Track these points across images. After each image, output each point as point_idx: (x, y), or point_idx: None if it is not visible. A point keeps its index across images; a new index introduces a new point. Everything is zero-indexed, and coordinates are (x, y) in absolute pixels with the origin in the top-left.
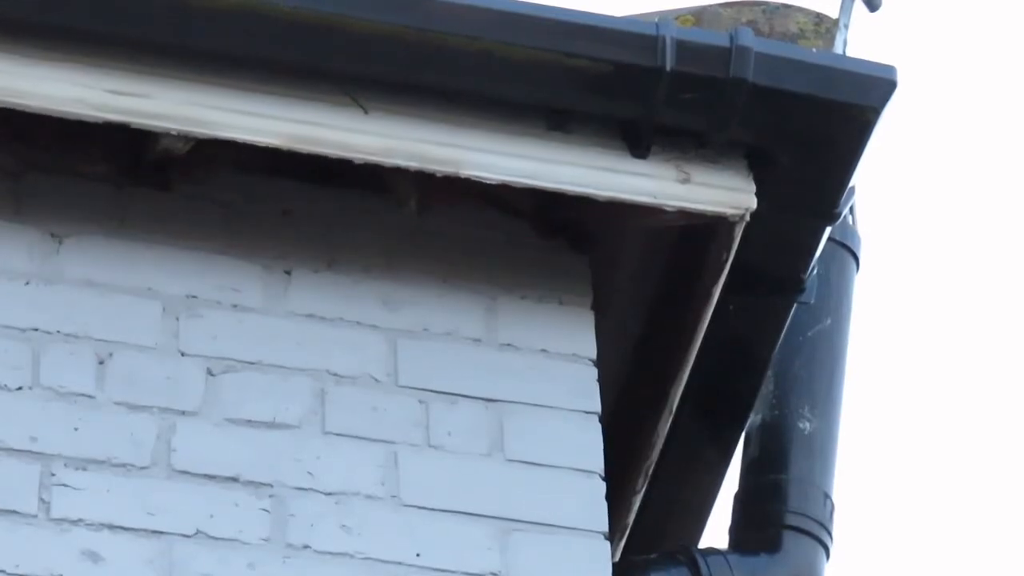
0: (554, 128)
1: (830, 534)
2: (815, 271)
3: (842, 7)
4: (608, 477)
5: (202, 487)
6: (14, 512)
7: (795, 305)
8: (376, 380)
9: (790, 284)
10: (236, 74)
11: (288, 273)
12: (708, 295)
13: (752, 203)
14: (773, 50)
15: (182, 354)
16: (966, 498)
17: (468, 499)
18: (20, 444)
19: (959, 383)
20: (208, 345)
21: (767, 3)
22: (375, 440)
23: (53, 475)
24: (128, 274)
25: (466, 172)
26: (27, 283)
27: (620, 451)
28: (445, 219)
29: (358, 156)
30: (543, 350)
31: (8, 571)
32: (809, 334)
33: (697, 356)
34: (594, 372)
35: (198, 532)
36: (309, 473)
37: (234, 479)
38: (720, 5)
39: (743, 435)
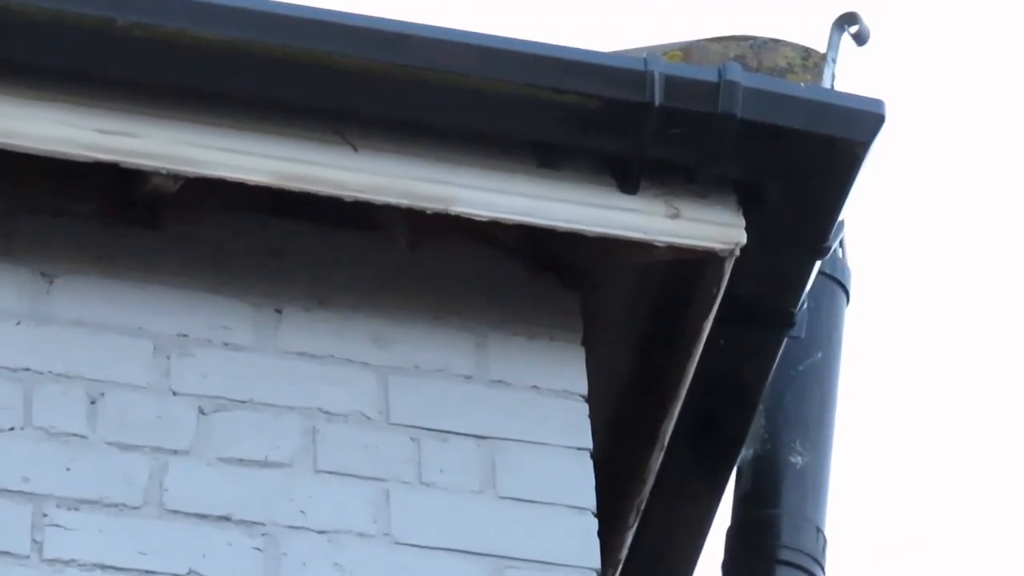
0: (543, 164)
1: (823, 568)
2: (805, 305)
3: (830, 41)
4: (600, 513)
5: (195, 526)
6: (7, 553)
7: (786, 339)
8: (367, 418)
9: (781, 318)
10: (225, 112)
11: (279, 311)
12: (699, 330)
13: (742, 238)
14: (761, 85)
15: (173, 393)
16: (959, 532)
17: (461, 536)
18: (12, 485)
19: (950, 416)
20: (199, 384)
21: (755, 38)
22: (367, 478)
23: (45, 515)
24: (119, 313)
25: (456, 209)
26: (18, 323)
27: (612, 487)
28: (435, 256)
29: (348, 194)
30: (534, 386)
31: None
32: (800, 368)
33: (688, 391)
34: (585, 408)
35: (191, 572)
36: (301, 511)
37: (226, 518)
38: (708, 40)
39: (735, 469)
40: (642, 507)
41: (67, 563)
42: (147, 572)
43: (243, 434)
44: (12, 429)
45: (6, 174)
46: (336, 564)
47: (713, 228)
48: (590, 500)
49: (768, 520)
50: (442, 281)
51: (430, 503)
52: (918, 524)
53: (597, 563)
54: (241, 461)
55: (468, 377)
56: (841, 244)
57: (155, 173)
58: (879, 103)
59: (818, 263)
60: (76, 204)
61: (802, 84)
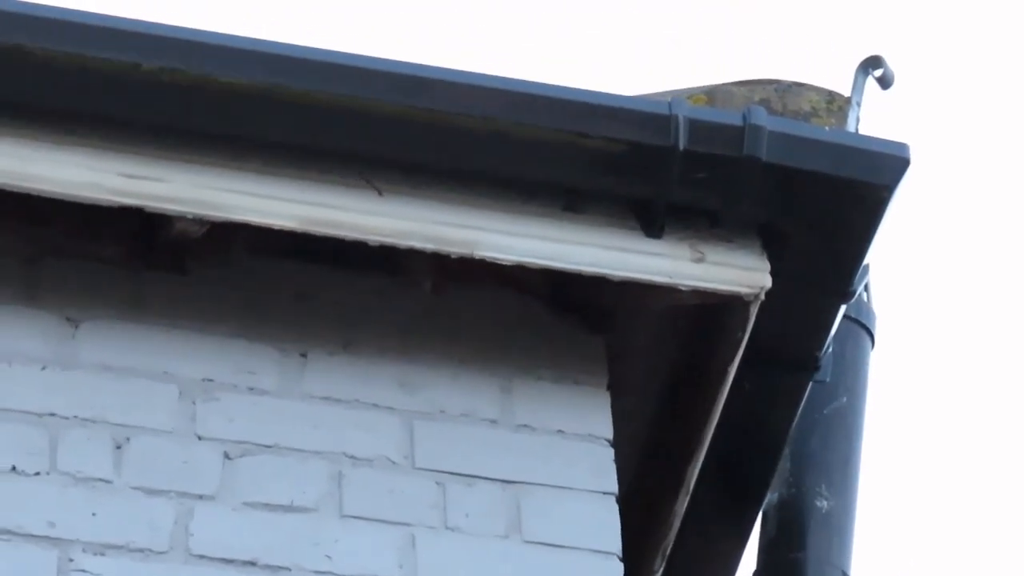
0: (568, 208)
1: None
2: (830, 349)
3: (854, 85)
4: (625, 558)
5: (220, 571)
6: None
7: (811, 383)
8: (393, 462)
9: (806, 362)
10: (250, 157)
11: (304, 356)
12: (724, 374)
13: (767, 282)
14: (786, 128)
15: (199, 438)
16: (985, 573)
17: None
18: (38, 530)
19: (976, 461)
20: (225, 428)
21: (779, 81)
22: (392, 522)
23: (71, 560)
24: (144, 358)
25: (481, 253)
26: (43, 368)
27: (637, 531)
28: (461, 300)
29: (373, 238)
30: (559, 431)
31: None
32: (825, 412)
33: (713, 435)
34: (610, 452)
35: None
36: (327, 556)
37: (252, 563)
38: (733, 84)
39: (760, 513)
40: (668, 551)
41: None
42: None
43: (269, 479)
44: (38, 474)
45: (32, 218)
46: None
47: (738, 272)
48: (615, 544)
49: (794, 564)
50: (467, 325)
51: (455, 548)
52: (943, 568)
53: None
54: (267, 506)
55: (493, 421)
56: (866, 288)
57: (180, 217)
58: (904, 147)
59: (843, 307)
60: (101, 249)
61: (827, 128)
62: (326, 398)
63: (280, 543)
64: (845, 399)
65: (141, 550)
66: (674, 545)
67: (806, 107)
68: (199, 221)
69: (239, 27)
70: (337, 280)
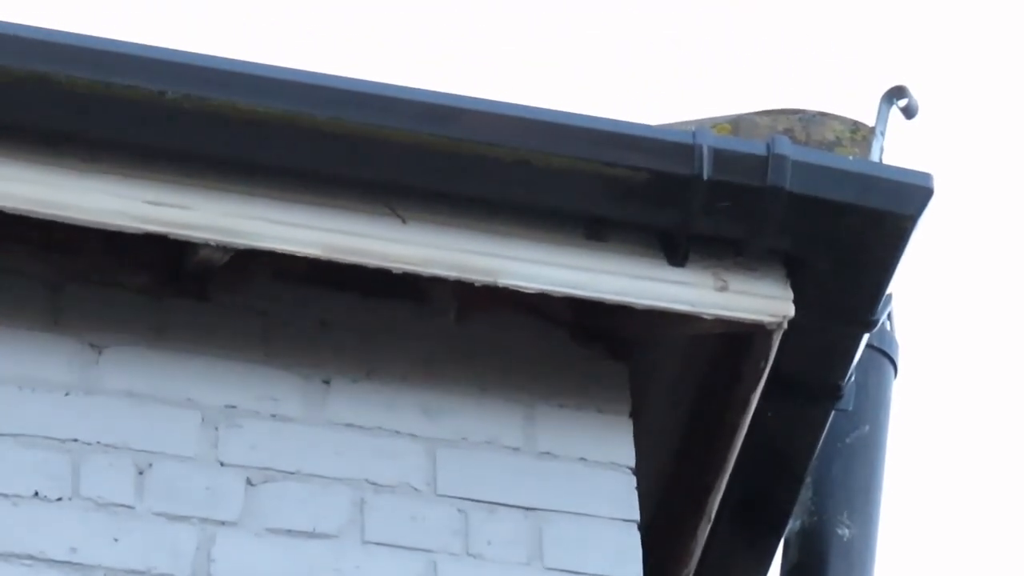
0: (592, 237)
1: None
2: (853, 378)
3: (878, 114)
4: None
5: None
6: None
7: (833, 412)
8: (415, 489)
9: (828, 391)
10: (275, 184)
11: (327, 383)
12: (746, 402)
13: (790, 311)
14: (810, 158)
15: (221, 464)
16: None
17: None
18: (60, 555)
19: (999, 490)
20: (247, 455)
21: (803, 111)
22: (414, 549)
23: None
24: (167, 384)
25: (504, 282)
26: (67, 394)
27: (659, 559)
28: (484, 328)
29: (397, 266)
30: (582, 458)
31: None
32: (848, 440)
33: (735, 463)
34: (633, 480)
35: None
36: None
37: None
38: (757, 113)
39: (782, 541)
40: None
41: None
42: None
43: (291, 505)
44: (60, 499)
45: (56, 245)
46: None
47: (761, 301)
48: (637, 572)
49: None
50: (490, 353)
51: (477, 575)
52: None
53: None
54: (289, 532)
55: (516, 449)
56: (889, 317)
57: (204, 245)
58: (927, 176)
59: (866, 336)
60: (125, 275)
61: (850, 157)
62: (349, 425)
63: (302, 569)
64: (867, 428)
65: None
66: (696, 573)
67: (830, 137)
68: (223, 248)
69: (264, 55)
70: (360, 307)
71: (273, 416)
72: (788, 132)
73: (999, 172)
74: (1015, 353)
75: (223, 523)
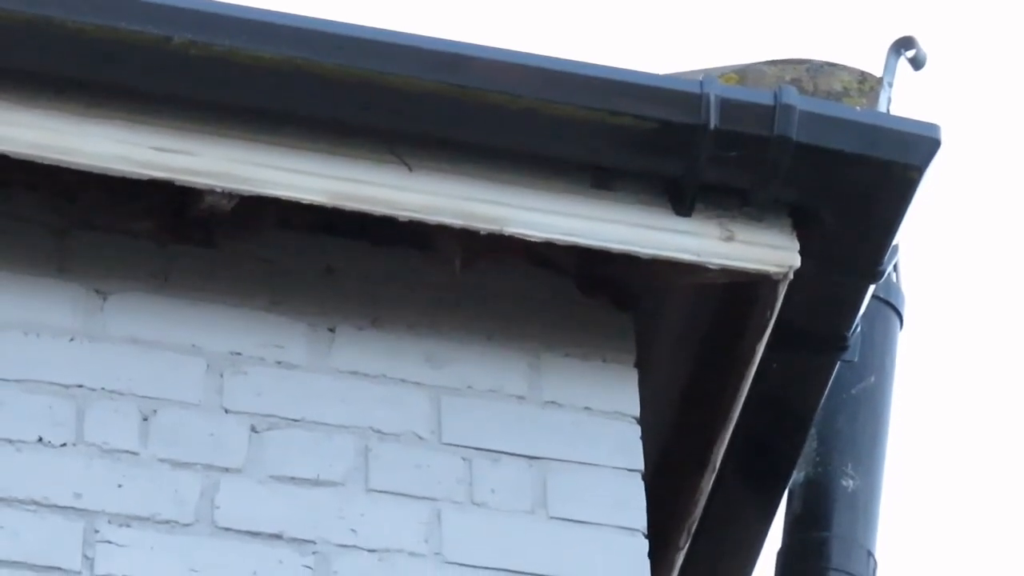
0: (598, 186)
1: None
2: (859, 329)
3: (886, 65)
4: (651, 534)
5: (246, 544)
6: (58, 568)
7: (838, 363)
8: (420, 437)
9: (834, 342)
10: (280, 131)
11: (332, 330)
12: (751, 353)
13: (796, 261)
14: (817, 108)
15: (226, 411)
16: (1011, 557)
17: (511, 557)
18: (64, 501)
19: (1004, 441)
20: (252, 402)
21: (811, 61)
22: (418, 497)
23: (97, 532)
24: (172, 331)
25: (510, 230)
26: (71, 340)
27: (663, 509)
28: (489, 277)
29: (402, 214)
30: (586, 408)
31: None
32: (853, 391)
33: (740, 414)
34: (637, 430)
35: None
36: (352, 530)
37: (278, 536)
38: (764, 63)
39: (786, 492)
40: (693, 529)
41: None
42: None
43: (295, 452)
44: (64, 445)
45: (61, 191)
46: None
47: (767, 251)
48: (641, 522)
49: (819, 543)
50: (495, 301)
51: (481, 523)
52: (969, 549)
53: None
54: (293, 479)
55: (520, 398)
56: (895, 268)
57: (210, 191)
58: (935, 127)
59: (872, 287)
60: (131, 222)
61: (858, 108)
62: (354, 372)
63: (306, 517)
64: (873, 379)
65: (167, 522)
66: (699, 523)
67: (837, 87)
68: (228, 195)
69: (271, 2)
70: (366, 255)
71: (278, 363)
72: (796, 82)
73: (1007, 123)
74: (1020, 304)
75: (227, 470)
